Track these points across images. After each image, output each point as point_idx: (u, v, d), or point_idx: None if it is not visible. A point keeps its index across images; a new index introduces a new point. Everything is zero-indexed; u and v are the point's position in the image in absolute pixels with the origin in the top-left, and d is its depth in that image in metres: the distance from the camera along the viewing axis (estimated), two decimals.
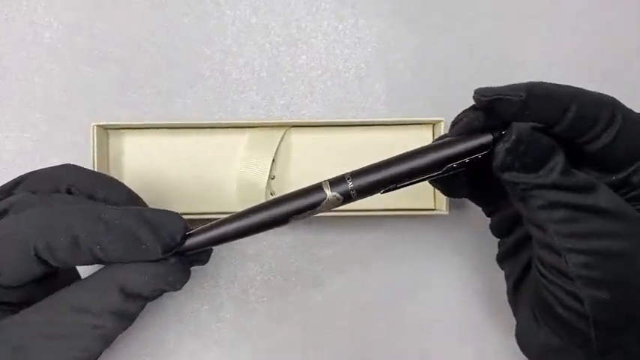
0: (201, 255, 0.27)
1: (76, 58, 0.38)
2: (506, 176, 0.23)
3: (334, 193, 0.25)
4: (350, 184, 0.25)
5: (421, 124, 0.37)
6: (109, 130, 0.37)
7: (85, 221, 0.23)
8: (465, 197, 0.29)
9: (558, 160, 0.22)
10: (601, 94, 0.24)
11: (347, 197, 0.25)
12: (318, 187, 0.25)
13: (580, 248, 0.22)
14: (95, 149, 0.34)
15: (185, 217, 0.35)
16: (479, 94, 0.24)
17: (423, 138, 0.37)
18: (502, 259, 0.30)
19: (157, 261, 0.24)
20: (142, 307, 0.26)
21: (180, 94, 0.38)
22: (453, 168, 0.24)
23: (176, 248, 0.24)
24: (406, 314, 0.38)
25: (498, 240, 0.31)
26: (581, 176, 0.23)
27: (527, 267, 0.28)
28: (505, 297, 0.31)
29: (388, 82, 0.38)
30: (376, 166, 0.25)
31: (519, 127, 0.22)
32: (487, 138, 0.24)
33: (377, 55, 0.39)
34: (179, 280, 0.25)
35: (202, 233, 0.25)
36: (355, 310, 0.38)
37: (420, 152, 0.25)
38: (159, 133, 0.37)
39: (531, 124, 0.23)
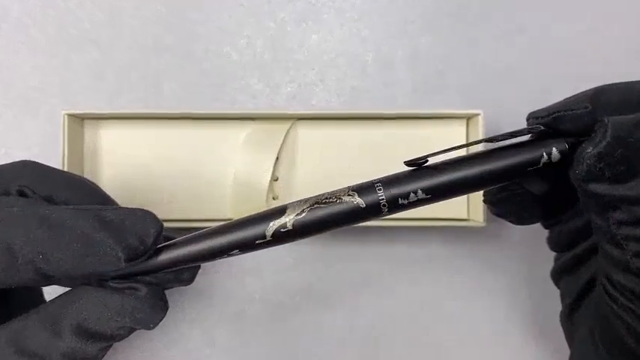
0: (183, 273, 0.21)
1: (48, 35, 0.33)
2: (592, 188, 0.18)
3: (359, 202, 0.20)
4: (380, 194, 0.19)
5: (453, 117, 0.31)
6: (84, 120, 0.31)
7: (22, 227, 0.18)
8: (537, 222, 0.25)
9: None
10: None
11: (375, 210, 0.20)
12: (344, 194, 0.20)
13: None
14: (66, 142, 0.29)
15: (170, 224, 0.30)
16: (533, 116, 0.21)
17: (455, 134, 0.31)
18: (558, 276, 0.26)
19: (122, 290, 0.19)
20: (107, 349, 0.21)
21: (169, 79, 0.33)
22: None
23: (145, 255, 0.19)
24: (430, 342, 0.33)
25: (554, 254, 0.27)
26: None
27: (588, 285, 0.24)
28: (549, 322, 0.27)
29: (415, 68, 0.33)
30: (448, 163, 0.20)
31: (617, 124, 0.18)
32: (561, 145, 0.19)
33: (402, 37, 0.33)
34: (151, 317, 0.20)
35: (186, 244, 0.20)
36: (370, 336, 0.33)
37: (478, 157, 0.20)
38: (143, 124, 0.31)
39: (634, 116, 0.18)
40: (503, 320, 0.33)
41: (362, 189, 0.20)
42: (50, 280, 0.19)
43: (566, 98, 0.20)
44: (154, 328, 0.20)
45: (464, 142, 0.31)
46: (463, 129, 0.31)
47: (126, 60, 0.33)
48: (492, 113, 0.32)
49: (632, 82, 0.20)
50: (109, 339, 0.20)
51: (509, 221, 0.25)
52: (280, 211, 0.20)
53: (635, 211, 0.18)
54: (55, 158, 0.29)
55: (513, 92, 0.33)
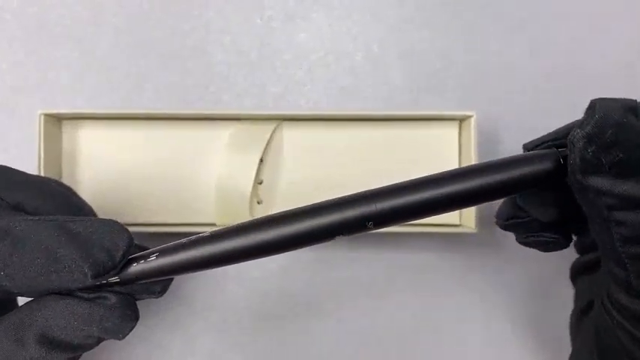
0: (154, 284, 0.20)
1: (27, 32, 0.32)
2: (591, 182, 0.17)
3: None
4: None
5: (446, 119, 0.30)
6: (62, 121, 0.30)
7: None
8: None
9: None
10: None
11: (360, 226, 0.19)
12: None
13: None
14: (42, 143, 0.28)
15: (151, 228, 0.29)
16: (525, 148, 0.20)
17: (447, 136, 0.30)
18: (576, 273, 0.26)
19: (90, 298, 0.18)
20: None
21: (151, 78, 0.32)
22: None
23: (114, 272, 0.18)
24: (425, 353, 0.31)
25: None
26: None
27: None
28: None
29: (407, 67, 0.32)
30: (413, 184, 0.19)
31: (604, 104, 0.16)
32: (552, 152, 0.18)
33: (394, 34, 0.32)
34: (119, 326, 0.19)
35: (159, 257, 0.19)
36: (362, 347, 0.31)
37: (467, 173, 0.18)
38: (124, 125, 0.30)
39: (624, 99, 0.17)
40: (496, 333, 0.32)
41: None
42: (14, 295, 0.19)
43: (560, 127, 0.20)
44: (123, 338, 0.19)
45: (456, 145, 0.30)
46: (456, 131, 0.30)
47: (107, 58, 0.32)
48: (489, 114, 0.31)
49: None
50: (76, 349, 0.19)
51: (538, 249, 0.23)
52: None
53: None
54: (32, 160, 0.28)
55: (511, 92, 0.32)
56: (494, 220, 0.24)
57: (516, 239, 0.23)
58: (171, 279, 0.21)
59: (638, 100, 0.17)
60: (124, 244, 0.18)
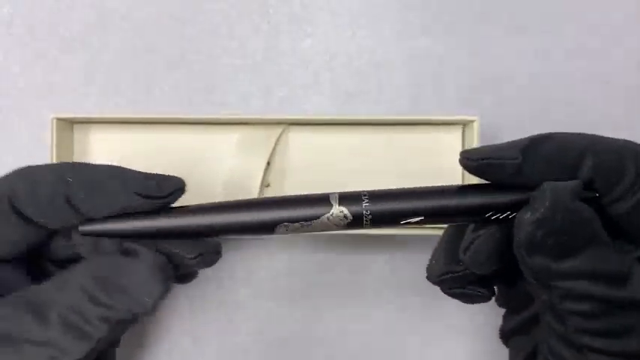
0: (186, 249, 0.22)
1: (35, 36, 0.32)
2: (536, 262, 0.18)
3: (342, 210, 0.20)
4: (365, 205, 0.20)
5: (449, 124, 0.30)
6: (74, 124, 0.31)
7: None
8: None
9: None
10: (625, 141, 0.19)
11: (357, 221, 0.20)
12: (323, 199, 0.21)
13: (612, 350, 0.18)
14: (54, 147, 0.29)
15: None
16: (464, 157, 0.20)
17: (451, 141, 0.30)
18: (508, 336, 0.25)
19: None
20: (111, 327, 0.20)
21: (159, 82, 0.32)
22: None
23: (158, 200, 0.21)
24: (421, 353, 0.32)
25: (503, 311, 0.26)
26: (614, 260, 0.18)
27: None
28: None
29: (411, 71, 0.32)
30: (410, 192, 0.20)
31: (555, 191, 0.17)
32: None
33: (398, 39, 0.32)
34: (147, 284, 0.19)
35: (195, 214, 0.22)
36: (363, 347, 0.32)
37: (453, 191, 0.20)
38: (132, 128, 0.31)
39: (573, 183, 0.17)
40: (490, 327, 0.32)
41: (347, 199, 0.21)
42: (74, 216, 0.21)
43: (502, 143, 0.20)
44: (153, 308, 0.19)
45: (459, 149, 0.30)
46: (459, 135, 0.30)
47: (115, 62, 0.32)
48: (492, 118, 0.31)
49: (570, 136, 0.19)
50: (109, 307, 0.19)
51: (462, 301, 0.23)
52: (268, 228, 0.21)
53: (577, 287, 0.18)
54: (41, 161, 0.28)
55: (514, 96, 0.32)
56: (426, 275, 0.23)
57: (441, 290, 0.23)
58: (209, 250, 0.22)
59: (579, 181, 0.18)
60: (170, 190, 0.22)
